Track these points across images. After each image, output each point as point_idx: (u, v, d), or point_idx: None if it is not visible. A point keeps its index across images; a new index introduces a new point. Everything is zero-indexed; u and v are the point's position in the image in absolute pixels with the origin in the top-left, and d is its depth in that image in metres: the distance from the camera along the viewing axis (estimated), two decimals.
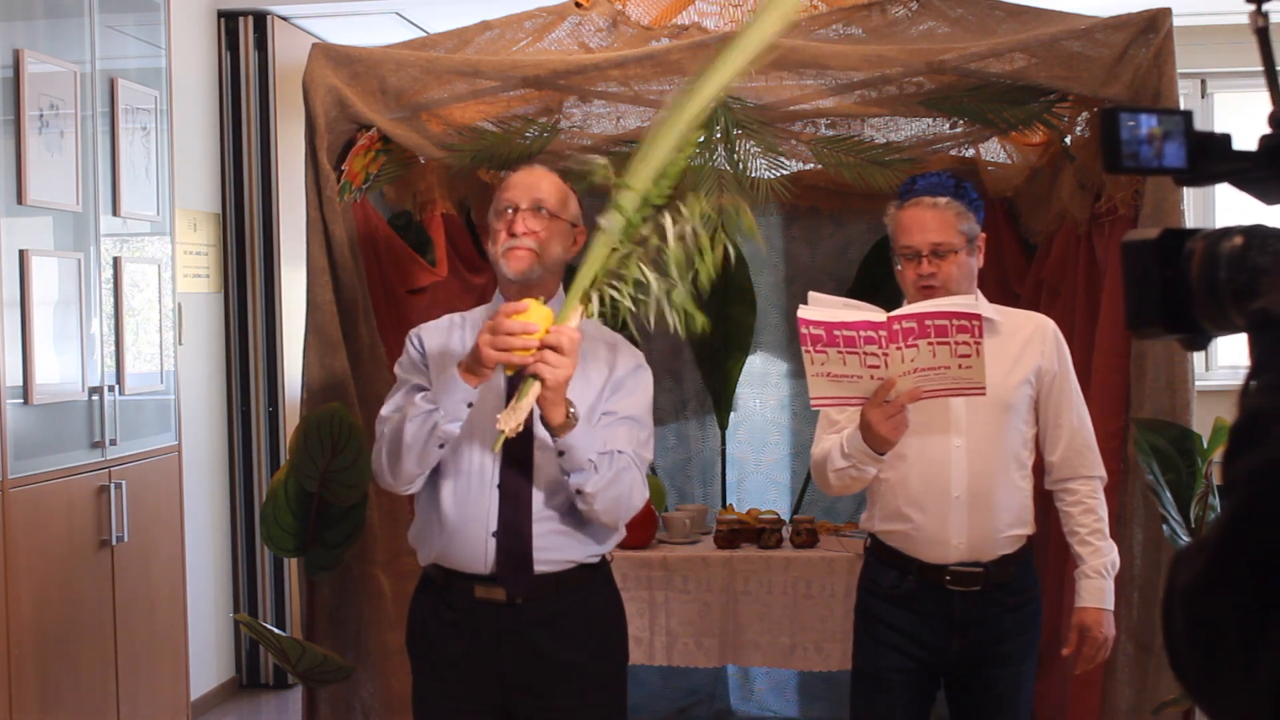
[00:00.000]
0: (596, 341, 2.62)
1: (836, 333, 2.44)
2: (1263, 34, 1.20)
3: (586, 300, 2.34)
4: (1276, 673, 1.05)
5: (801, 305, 2.50)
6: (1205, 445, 3.18)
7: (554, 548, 2.53)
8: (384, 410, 2.61)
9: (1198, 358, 5.95)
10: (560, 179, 2.65)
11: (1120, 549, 3.34)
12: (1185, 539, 3.16)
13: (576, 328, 2.36)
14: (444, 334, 2.67)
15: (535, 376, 2.33)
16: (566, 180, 2.68)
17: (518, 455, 2.52)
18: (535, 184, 2.59)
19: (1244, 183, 1.21)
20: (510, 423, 2.32)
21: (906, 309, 2.47)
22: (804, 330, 2.45)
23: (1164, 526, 3.18)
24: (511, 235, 2.54)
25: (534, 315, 2.34)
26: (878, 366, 2.47)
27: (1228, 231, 1.18)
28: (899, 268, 2.77)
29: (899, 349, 2.44)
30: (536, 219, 2.55)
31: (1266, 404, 1.04)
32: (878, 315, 2.46)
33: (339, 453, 3.35)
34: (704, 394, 4.86)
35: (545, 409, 2.37)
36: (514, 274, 2.54)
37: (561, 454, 2.42)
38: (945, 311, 2.44)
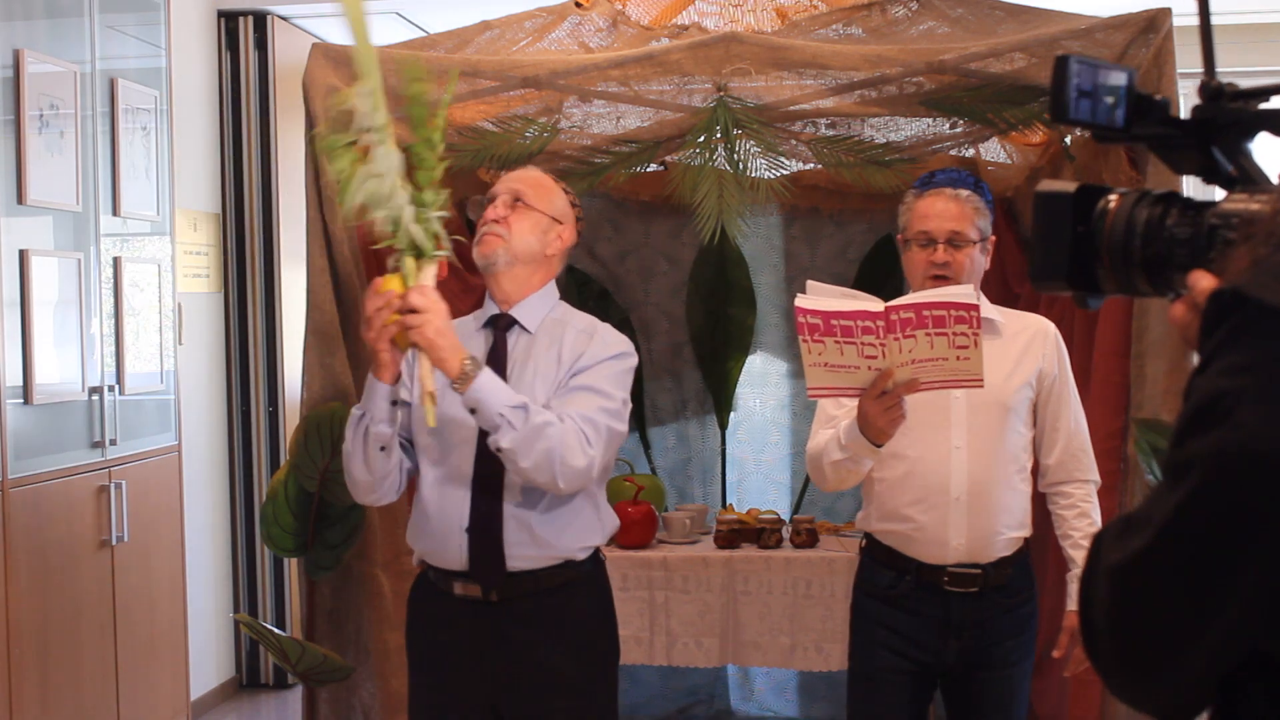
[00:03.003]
0: (580, 332, 2.63)
1: (834, 322, 2.42)
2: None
3: (415, 252, 2.35)
4: (1212, 661, 1.03)
5: (799, 294, 2.49)
6: None
7: (527, 543, 2.55)
8: None
9: (1198, 357, 5.94)
10: (550, 178, 2.70)
11: None
12: None
13: (431, 280, 2.38)
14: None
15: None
16: (566, 179, 2.70)
17: (491, 452, 2.54)
18: (517, 177, 2.67)
19: (1163, 148, 1.21)
20: (424, 396, 2.36)
21: (904, 299, 2.45)
22: (801, 319, 2.43)
23: None
24: (484, 223, 2.61)
25: (389, 286, 2.38)
26: (875, 357, 2.45)
27: (1144, 197, 1.17)
28: (909, 253, 2.76)
29: (897, 339, 2.42)
30: (510, 208, 2.60)
31: (1230, 385, 1.01)
32: (875, 305, 2.44)
33: (339, 453, 3.34)
34: (704, 394, 4.86)
35: (438, 366, 2.38)
36: (480, 258, 2.61)
37: (473, 412, 2.41)
38: (943, 302, 2.42)
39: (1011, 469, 2.75)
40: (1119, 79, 1.18)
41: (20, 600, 3.66)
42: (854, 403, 2.58)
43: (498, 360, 2.58)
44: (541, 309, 2.66)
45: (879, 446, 2.59)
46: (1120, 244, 1.16)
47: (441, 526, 2.57)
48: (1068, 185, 1.20)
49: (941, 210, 2.72)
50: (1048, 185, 1.21)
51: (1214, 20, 1.20)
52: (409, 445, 2.66)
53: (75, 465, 3.95)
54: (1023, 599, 2.80)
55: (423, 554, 2.65)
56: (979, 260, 2.75)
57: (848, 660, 2.90)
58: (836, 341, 2.43)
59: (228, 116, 5.48)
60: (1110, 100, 1.17)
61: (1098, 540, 1.11)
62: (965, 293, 2.45)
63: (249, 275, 5.48)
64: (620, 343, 2.63)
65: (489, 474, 2.55)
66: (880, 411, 2.51)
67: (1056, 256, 1.20)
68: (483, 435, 2.53)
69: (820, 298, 2.48)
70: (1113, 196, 1.18)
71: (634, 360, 2.63)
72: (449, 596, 2.61)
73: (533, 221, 2.62)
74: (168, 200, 4.54)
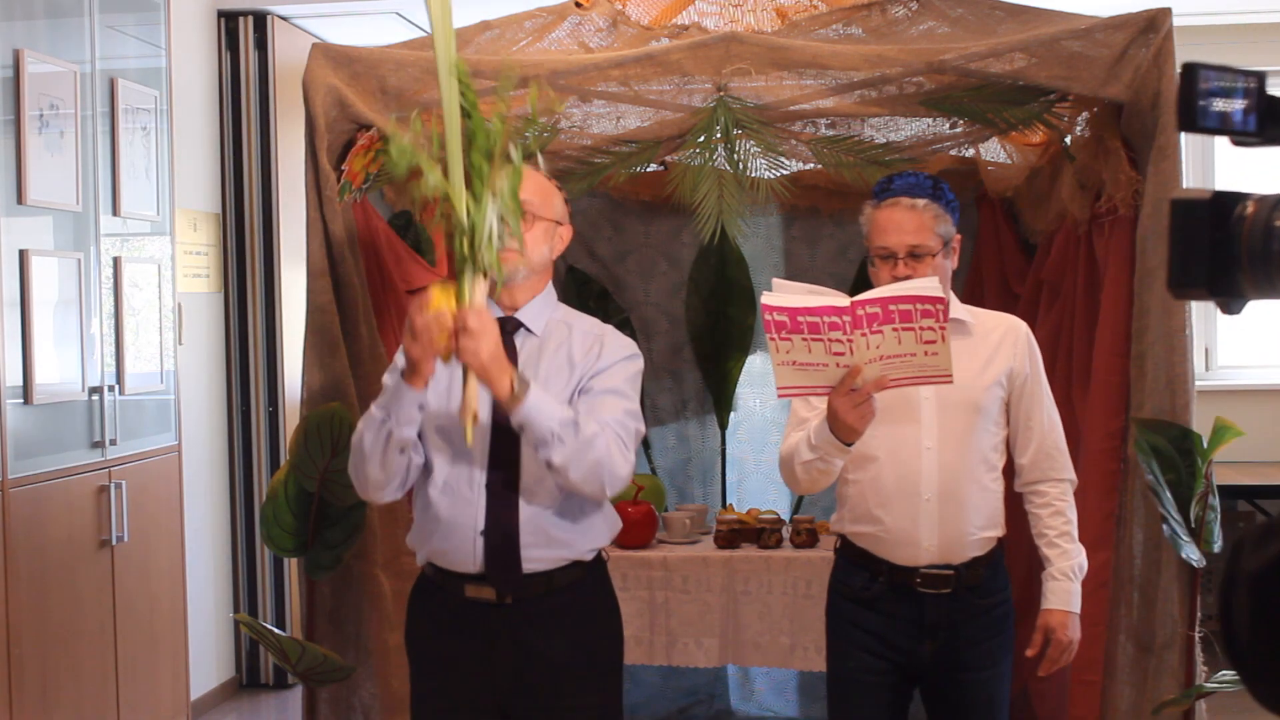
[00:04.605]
0: (587, 335, 2.63)
1: (800, 319, 2.40)
2: None
3: (473, 269, 2.32)
4: None
5: (765, 292, 2.47)
6: (1205, 445, 3.18)
7: (542, 544, 2.54)
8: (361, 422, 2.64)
9: (1198, 358, 5.95)
10: (542, 175, 2.65)
11: (1120, 549, 3.34)
12: (1185, 539, 3.15)
13: (485, 300, 2.36)
14: None
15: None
16: (566, 179, 2.69)
17: (505, 454, 2.54)
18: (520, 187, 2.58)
19: None
20: (466, 414, 2.34)
21: (870, 294, 2.43)
22: (767, 317, 2.41)
23: (1164, 526, 3.18)
24: None
25: (439, 302, 2.34)
26: (843, 354, 2.43)
27: None
28: (873, 268, 2.75)
29: (864, 335, 2.41)
30: (521, 223, 2.54)
31: None
32: (841, 300, 2.42)
33: (339, 453, 3.35)
34: (704, 394, 4.86)
35: (489, 387, 2.37)
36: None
37: (522, 428, 2.41)
38: (909, 295, 2.40)
39: (982, 469, 2.74)
40: (1247, 83, 1.18)
41: (20, 600, 3.66)
42: (824, 403, 2.56)
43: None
44: (545, 311, 2.66)
45: (849, 445, 2.58)
46: (1260, 247, 1.16)
47: (453, 529, 2.56)
48: (1202, 192, 1.20)
49: (899, 223, 2.69)
50: (1182, 194, 1.21)
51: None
52: (419, 441, 2.65)
53: (75, 465, 3.95)
54: (997, 599, 2.79)
55: (430, 556, 2.63)
56: (944, 266, 2.73)
57: (825, 662, 2.89)
58: (804, 339, 2.42)
59: (228, 116, 5.48)
60: (1240, 105, 1.17)
61: (1237, 547, 1.10)
62: (931, 285, 2.42)
63: (249, 275, 5.48)
64: (629, 345, 2.65)
65: (503, 477, 2.54)
66: (849, 409, 2.49)
67: (1195, 264, 1.19)
68: (496, 438, 2.53)
69: (786, 294, 2.46)
70: (1250, 201, 1.18)
71: (642, 362, 2.65)
72: (456, 599, 2.59)
73: (543, 230, 2.61)
74: (168, 200, 4.54)
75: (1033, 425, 2.79)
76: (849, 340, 2.42)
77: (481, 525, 2.54)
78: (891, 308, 2.39)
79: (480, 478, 2.55)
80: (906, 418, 2.71)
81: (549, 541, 2.55)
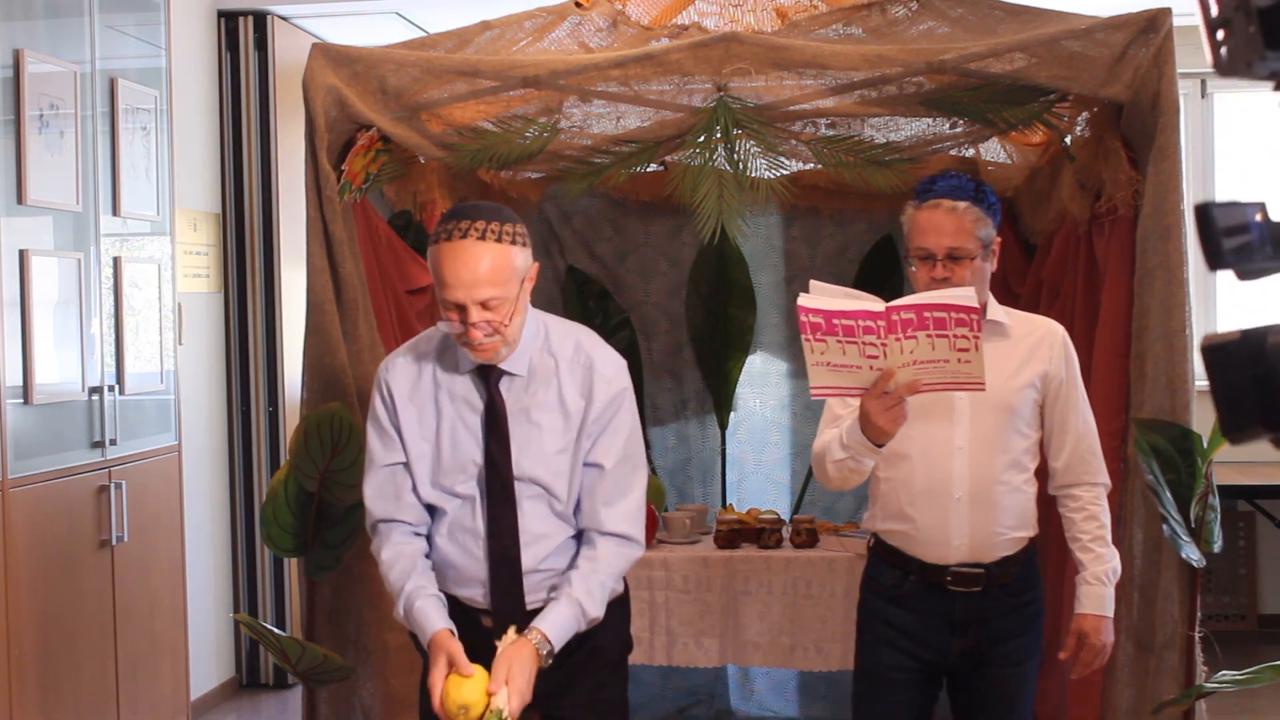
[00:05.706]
0: (574, 365, 2.58)
1: (835, 321, 2.43)
2: None
3: None
4: None
5: (802, 293, 2.50)
6: (1205, 445, 3.18)
7: (547, 588, 2.59)
8: (368, 498, 2.65)
9: (1198, 358, 5.94)
10: (491, 240, 2.46)
11: (1120, 549, 3.33)
12: (1185, 539, 3.16)
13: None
14: (413, 376, 2.62)
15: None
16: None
17: (501, 526, 2.57)
18: (474, 280, 2.43)
19: None
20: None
21: (905, 300, 2.46)
22: (803, 318, 2.44)
23: (1164, 526, 3.18)
24: (467, 336, 2.47)
25: (463, 698, 2.44)
26: (876, 357, 2.46)
27: None
28: (912, 269, 2.76)
29: (898, 340, 2.44)
30: (490, 312, 2.46)
31: None
32: (876, 305, 2.45)
33: (339, 453, 3.35)
34: (704, 394, 4.86)
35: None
36: (484, 361, 2.54)
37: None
38: (944, 304, 2.43)
39: (1014, 469, 2.75)
40: (1253, 214, 1.18)
41: (20, 600, 3.66)
42: (859, 402, 2.58)
43: (496, 415, 2.56)
44: (528, 351, 2.58)
45: (879, 446, 2.60)
46: None
47: (461, 583, 2.62)
48: (1230, 334, 1.20)
49: (939, 225, 2.70)
50: (1211, 340, 1.21)
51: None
52: (421, 525, 2.67)
53: (75, 465, 3.95)
54: (1028, 597, 2.80)
55: (443, 587, 2.64)
56: (983, 268, 2.74)
57: (854, 658, 2.91)
58: (838, 341, 2.45)
59: (228, 116, 5.48)
60: (1254, 236, 1.18)
61: None
62: (967, 294, 2.45)
63: (249, 275, 5.48)
64: (618, 371, 2.61)
65: (503, 543, 2.57)
66: (881, 411, 2.51)
67: (1245, 406, 1.19)
68: (490, 494, 2.57)
69: (823, 297, 2.49)
70: (1275, 331, 1.18)
71: (630, 383, 2.64)
72: (463, 613, 2.63)
73: (515, 306, 2.50)
74: (168, 200, 4.54)
75: (1068, 429, 2.79)
76: (883, 344, 2.45)
77: (487, 582, 2.59)
78: (926, 314, 2.42)
79: (482, 535, 2.59)
80: (939, 417, 2.72)
81: (553, 582, 2.60)
